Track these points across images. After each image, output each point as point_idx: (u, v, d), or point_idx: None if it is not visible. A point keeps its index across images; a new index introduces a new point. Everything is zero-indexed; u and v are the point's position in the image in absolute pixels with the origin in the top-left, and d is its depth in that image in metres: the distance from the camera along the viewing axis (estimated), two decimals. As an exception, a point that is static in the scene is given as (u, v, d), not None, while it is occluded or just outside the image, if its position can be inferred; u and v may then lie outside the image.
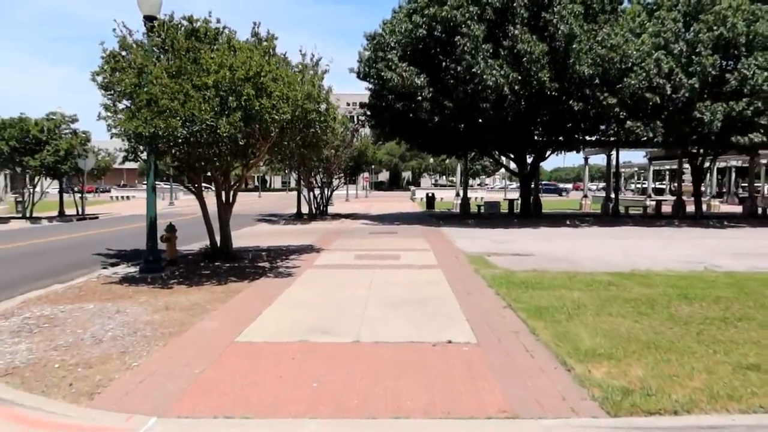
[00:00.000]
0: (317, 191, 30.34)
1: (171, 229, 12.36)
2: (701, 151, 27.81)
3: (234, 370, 5.42)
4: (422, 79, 21.82)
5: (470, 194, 36.05)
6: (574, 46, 20.74)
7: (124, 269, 12.12)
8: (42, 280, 10.96)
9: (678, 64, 21.28)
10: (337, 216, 29.83)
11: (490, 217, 29.08)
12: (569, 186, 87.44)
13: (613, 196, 32.21)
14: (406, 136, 27.57)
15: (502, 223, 24.50)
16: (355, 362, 5.60)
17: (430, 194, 39.30)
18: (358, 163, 32.30)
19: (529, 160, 29.77)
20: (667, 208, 31.50)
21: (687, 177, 40.22)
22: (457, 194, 37.17)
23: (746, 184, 56.06)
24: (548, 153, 29.28)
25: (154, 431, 4.22)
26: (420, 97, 21.93)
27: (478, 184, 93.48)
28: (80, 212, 30.39)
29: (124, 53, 11.26)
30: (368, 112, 27.15)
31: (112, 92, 10.94)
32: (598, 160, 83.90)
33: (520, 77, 20.54)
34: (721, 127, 21.25)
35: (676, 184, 60.59)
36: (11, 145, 25.16)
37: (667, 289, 9.00)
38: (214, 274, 11.20)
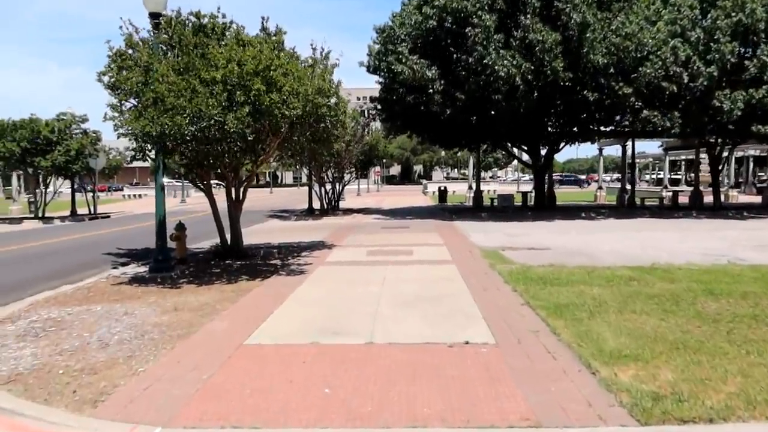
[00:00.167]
0: (328, 186, 30.16)
1: (180, 227, 12.21)
2: (719, 140, 27.26)
3: (243, 374, 5.21)
4: (433, 72, 21.51)
5: (483, 187, 35.69)
6: (587, 35, 20.29)
7: (133, 269, 11.99)
8: (52, 280, 10.85)
9: (695, 51, 20.76)
10: (348, 211, 29.64)
11: (504, 210, 28.75)
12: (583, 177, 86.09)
13: (628, 187, 31.71)
14: (417, 129, 27.27)
15: (516, 216, 24.17)
16: (367, 365, 5.37)
17: (442, 188, 38.96)
18: (369, 158, 32.06)
19: (543, 151, 29.37)
20: (683, 199, 30.96)
21: (704, 167, 39.59)
22: (470, 187, 36.79)
23: (763, 174, 55.21)
24: (562, 144, 28.87)
25: (158, 443, 4.03)
26: (431, 90, 21.62)
27: (491, 177, 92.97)
28: (92, 211, 30.44)
29: (130, 51, 11.07)
30: (379, 106, 26.88)
31: (119, 92, 10.77)
32: (611, 151, 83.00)
33: (532, 67, 20.15)
34: (741, 115, 20.73)
35: (692, 175, 59.70)
36: (22, 146, 25.17)
37: (690, 284, 8.67)
38: (224, 273, 11.03)
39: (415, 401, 4.51)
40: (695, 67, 20.50)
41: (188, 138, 10.08)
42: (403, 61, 21.77)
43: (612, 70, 20.79)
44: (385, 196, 49.61)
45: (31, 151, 25.57)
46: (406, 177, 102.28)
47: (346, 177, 32.06)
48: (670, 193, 32.91)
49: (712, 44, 20.64)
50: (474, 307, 7.57)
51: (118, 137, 10.42)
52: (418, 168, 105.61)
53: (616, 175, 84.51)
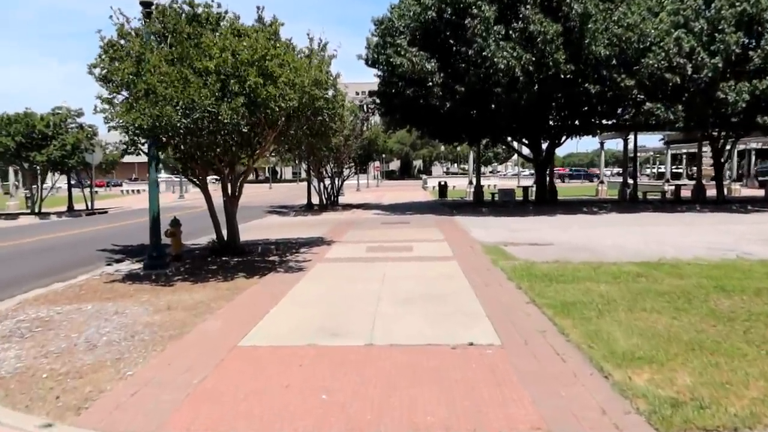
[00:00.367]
0: (327, 181, 29.85)
1: (175, 223, 11.94)
2: (722, 133, 26.96)
3: (236, 378, 4.94)
4: (433, 64, 21.19)
5: (483, 182, 35.37)
6: (589, 25, 19.96)
7: (128, 266, 11.72)
8: (44, 278, 10.58)
9: (699, 42, 20.43)
10: (348, 206, 29.35)
11: (505, 205, 28.46)
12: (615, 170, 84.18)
13: (630, 181, 31.41)
14: (416, 123, 26.93)
15: (518, 211, 23.89)
16: (367, 368, 5.10)
17: (442, 182, 38.66)
18: (368, 152, 31.72)
19: (544, 145, 29.07)
20: (686, 193, 30.71)
21: (705, 160, 39.33)
22: (470, 182, 36.48)
23: (765, 167, 54.84)
24: (563, 138, 28.55)
25: (143, 455, 3.76)
26: (431, 83, 21.31)
27: (490, 172, 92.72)
28: (89, 207, 30.13)
29: (122, 42, 10.77)
30: (377, 100, 26.56)
31: (111, 84, 10.46)
32: (611, 145, 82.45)
33: (533, 59, 19.83)
34: (745, 107, 20.45)
35: (694, 168, 59.34)
36: (17, 140, 24.85)
37: (701, 280, 8.40)
38: (220, 270, 10.76)
39: (416, 407, 4.25)
40: (699, 58, 20.18)
41: (181, 130, 9.79)
42: (402, 53, 21.45)
43: (614, 62, 20.46)
44: (385, 192, 49.30)
45: (26, 146, 25.26)
46: (406, 172, 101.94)
47: (345, 172, 31.72)
48: (673, 187, 32.61)
49: (716, 35, 20.31)
50: (477, 306, 7.30)
51: (109, 130, 10.13)
52: (418, 163, 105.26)
53: (616, 170, 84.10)
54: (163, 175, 57.40)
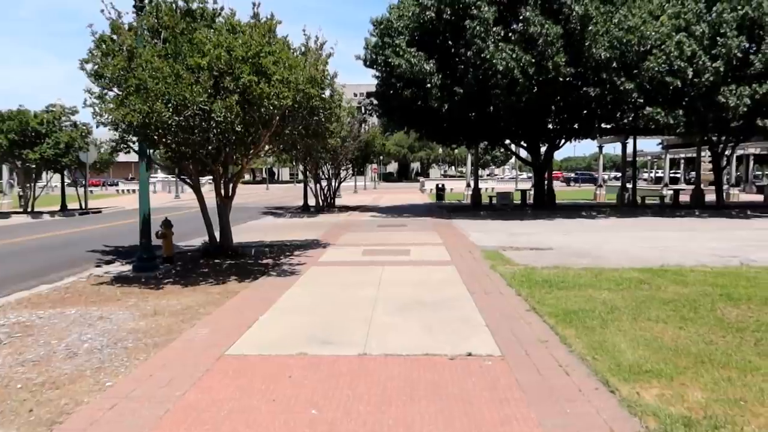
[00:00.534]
0: (324, 183, 29.58)
1: (167, 224, 11.64)
2: (722, 138, 26.76)
3: (221, 391, 4.66)
4: (431, 65, 20.93)
5: (481, 185, 35.11)
6: (590, 28, 19.75)
7: (117, 268, 11.42)
8: (30, 280, 10.31)
9: (700, 46, 20.21)
10: (344, 208, 29.09)
11: (503, 208, 28.24)
12: (614, 174, 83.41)
13: (629, 185, 31.18)
14: (414, 125, 26.62)
15: (516, 215, 23.65)
16: (360, 381, 4.83)
17: (440, 185, 38.41)
18: (365, 154, 31.46)
19: (543, 149, 28.82)
20: (684, 198, 30.48)
21: (704, 165, 39.12)
22: (468, 185, 36.29)
23: (760, 173, 54.70)
24: (562, 141, 28.31)
25: (116, 477, 3.48)
26: (429, 84, 21.03)
27: (488, 175, 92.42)
28: (83, 206, 29.79)
29: (115, 37, 10.49)
30: (375, 101, 26.30)
31: (102, 80, 10.18)
32: (609, 149, 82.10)
33: (533, 60, 19.59)
34: (746, 111, 20.23)
35: (692, 173, 59.14)
36: (10, 138, 24.51)
37: (705, 287, 8.15)
38: (212, 273, 10.48)
39: (413, 427, 3.97)
40: (700, 62, 19.96)
41: (173, 128, 9.51)
42: (401, 53, 21.20)
43: (614, 65, 20.23)
44: (382, 194, 49.05)
45: (19, 144, 24.91)
46: (404, 174, 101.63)
47: (343, 174, 31.47)
48: (671, 192, 32.39)
49: (718, 38, 20.10)
50: (476, 313, 7.03)
51: (98, 126, 9.82)
52: (416, 165, 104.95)
53: (613, 174, 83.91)
54: (159, 175, 57.08)
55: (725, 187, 34.75)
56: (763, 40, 20.45)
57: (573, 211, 25.87)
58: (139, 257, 10.72)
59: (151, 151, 11.78)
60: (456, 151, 76.02)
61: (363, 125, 29.27)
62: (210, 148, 10.71)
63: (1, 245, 15.87)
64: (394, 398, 4.46)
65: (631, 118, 23.41)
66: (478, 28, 19.67)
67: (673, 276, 9.11)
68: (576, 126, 25.55)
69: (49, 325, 6.80)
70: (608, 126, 26.13)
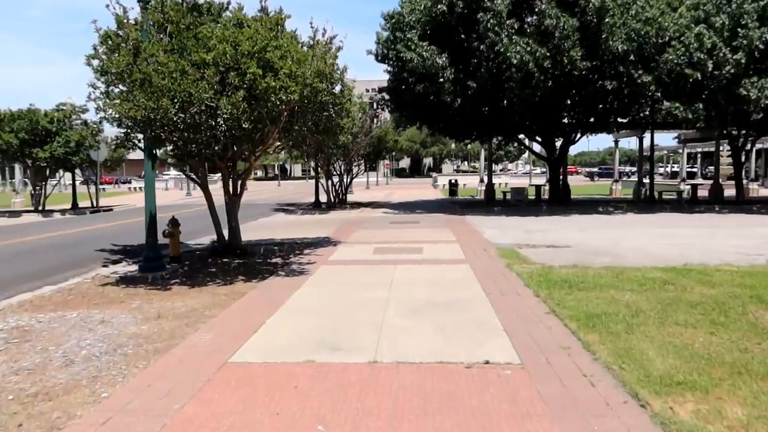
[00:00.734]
0: (336, 179, 29.30)
1: (174, 223, 11.41)
2: (742, 131, 26.12)
3: (222, 404, 4.37)
4: (444, 59, 20.56)
5: (494, 180, 34.63)
6: (606, 20, 19.27)
7: (124, 267, 11.21)
8: (35, 280, 10.13)
9: (720, 38, 19.65)
10: (356, 204, 28.80)
11: (517, 204, 27.79)
12: (626, 168, 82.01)
13: (646, 180, 30.58)
14: (427, 120, 26.26)
15: (531, 211, 23.21)
16: (370, 392, 4.52)
17: (453, 181, 38.03)
18: (377, 150, 31.13)
19: (558, 143, 28.34)
20: (702, 193, 29.87)
21: (722, 159, 38.38)
22: (481, 180, 35.79)
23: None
24: (578, 136, 27.82)
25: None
26: (442, 78, 20.67)
27: (501, 170, 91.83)
28: (94, 204, 29.75)
29: (121, 33, 10.25)
30: (387, 96, 25.95)
31: (108, 75, 9.95)
32: (623, 144, 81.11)
33: (548, 54, 19.14)
34: (768, 104, 19.69)
35: (708, 168, 58.14)
36: (21, 137, 24.41)
37: (733, 288, 7.75)
38: (219, 273, 10.22)
39: (427, 444, 3.66)
40: (721, 54, 19.40)
41: (180, 125, 9.24)
42: (413, 48, 20.85)
43: (632, 58, 19.74)
44: (395, 189, 48.70)
45: (29, 143, 24.83)
46: (416, 170, 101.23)
47: (355, 170, 31.18)
48: (689, 187, 31.75)
49: (739, 30, 19.52)
50: (492, 316, 6.70)
51: (101, 121, 9.59)
52: (428, 161, 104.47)
53: (628, 168, 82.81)
54: (172, 173, 57.15)
55: (744, 181, 34.05)
56: (784, 30, 19.86)
57: (589, 206, 25.38)
58: (145, 257, 10.49)
59: (158, 149, 11.55)
60: (469, 146, 75.44)
61: (375, 120, 28.93)
62: (216, 147, 10.44)
63: (9, 244, 15.75)
64: (406, 412, 4.15)
65: (648, 112, 22.91)
66: (491, 20, 19.27)
67: (698, 276, 8.71)
68: (592, 120, 25.07)
69: (48, 330, 6.56)
70: (625, 120, 25.63)
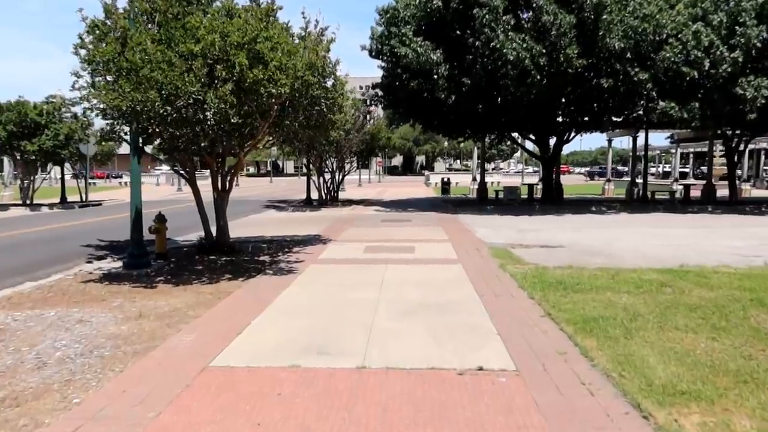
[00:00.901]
0: (328, 176, 29.02)
1: (161, 219, 11.10)
2: (737, 131, 26.04)
3: (200, 412, 4.12)
4: (438, 55, 20.32)
5: (487, 179, 34.43)
6: (603, 17, 19.09)
7: (108, 264, 10.91)
8: (16, 276, 9.83)
9: (718, 36, 19.50)
10: (348, 202, 28.55)
11: (510, 203, 27.62)
12: (625, 168, 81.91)
13: (639, 180, 30.48)
14: (421, 117, 25.99)
15: (524, 210, 23.03)
16: (358, 401, 4.28)
17: (445, 179, 37.80)
18: (370, 147, 30.87)
19: (551, 142, 28.16)
20: (695, 193, 29.80)
21: (715, 159, 38.35)
22: (474, 179, 35.60)
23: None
24: (572, 135, 27.65)
25: None
26: (436, 75, 20.43)
27: (493, 168, 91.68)
28: (83, 199, 29.34)
29: (109, 22, 9.94)
30: (381, 93, 25.67)
31: (94, 65, 9.63)
32: (616, 143, 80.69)
33: (545, 51, 18.94)
34: (764, 103, 19.54)
35: (700, 168, 58.30)
36: (8, 129, 24.01)
37: (733, 291, 7.57)
38: (205, 271, 9.95)
39: (417, 459, 3.43)
40: (718, 52, 19.25)
41: (168, 119, 8.95)
42: (407, 43, 20.58)
43: (628, 55, 19.57)
44: (387, 187, 48.44)
45: (17, 135, 24.41)
46: (408, 168, 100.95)
47: (347, 167, 30.89)
48: (682, 187, 31.69)
49: (736, 28, 19.38)
50: (486, 319, 6.47)
51: (84, 111, 9.27)
52: (421, 159, 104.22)
53: (622, 168, 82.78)
54: (163, 168, 56.58)
55: (737, 182, 34.03)
56: (781, 29, 19.74)
57: (582, 206, 25.24)
58: (130, 253, 10.19)
59: (147, 145, 11.24)
60: (462, 144, 75.25)
61: (368, 117, 28.66)
62: (203, 144, 10.15)
63: (-7, 239, 15.39)
64: (396, 422, 3.91)
65: (643, 111, 22.75)
66: (487, 16, 19.06)
67: (695, 278, 8.52)
68: (587, 119, 24.90)
69: (23, 329, 6.28)
70: (619, 119, 25.48)
